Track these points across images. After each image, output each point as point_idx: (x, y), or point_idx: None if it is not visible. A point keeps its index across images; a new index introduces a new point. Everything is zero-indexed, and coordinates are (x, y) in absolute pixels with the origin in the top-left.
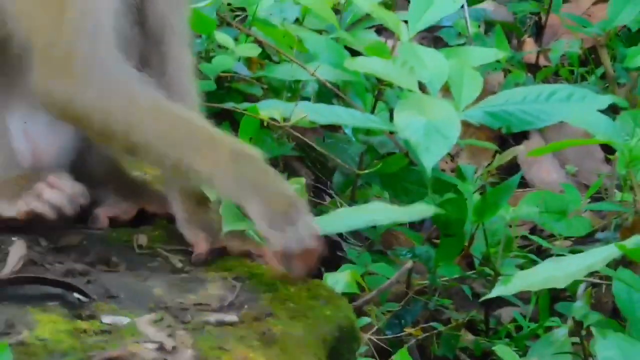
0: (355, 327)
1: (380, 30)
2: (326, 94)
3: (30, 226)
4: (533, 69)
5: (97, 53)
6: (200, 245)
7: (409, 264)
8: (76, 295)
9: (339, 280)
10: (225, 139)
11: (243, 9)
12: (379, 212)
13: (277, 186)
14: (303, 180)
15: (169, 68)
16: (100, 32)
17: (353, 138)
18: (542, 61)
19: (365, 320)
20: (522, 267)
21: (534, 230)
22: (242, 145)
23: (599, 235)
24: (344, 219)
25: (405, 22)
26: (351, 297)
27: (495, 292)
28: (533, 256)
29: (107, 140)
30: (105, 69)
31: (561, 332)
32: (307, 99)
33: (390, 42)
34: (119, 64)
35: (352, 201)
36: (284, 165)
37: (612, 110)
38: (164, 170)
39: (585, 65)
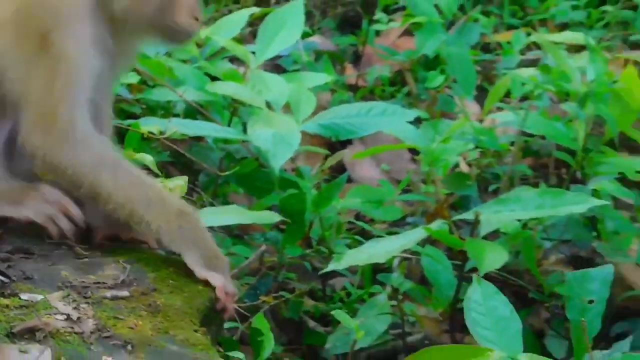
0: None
1: (233, 60)
2: (192, 112)
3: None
4: (354, 89)
5: (76, 119)
6: (99, 233)
7: (263, 246)
8: None
9: None
10: (172, 199)
11: None
12: (239, 214)
13: (208, 242)
14: (186, 178)
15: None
16: (80, 101)
17: (214, 146)
18: (360, 83)
19: None
20: (349, 246)
21: (358, 216)
22: (185, 205)
23: (409, 219)
24: (213, 217)
25: (253, 53)
26: None
27: (330, 267)
28: (358, 237)
29: (76, 189)
30: (80, 132)
31: (382, 297)
32: (178, 115)
33: (242, 70)
34: (90, 129)
35: (215, 196)
36: (161, 169)
37: (417, 121)
38: (119, 216)
39: (394, 86)
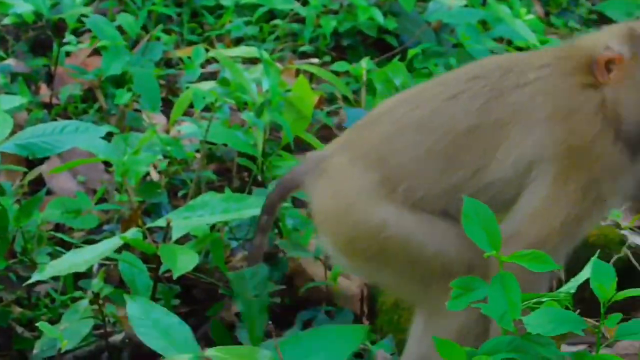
0: None
1: None
2: None
3: None
4: (48, 107)
5: None
6: None
7: None
8: None
9: None
10: None
11: None
12: None
13: None
14: None
15: None
16: None
17: None
18: (54, 101)
19: None
20: (51, 255)
21: (58, 226)
22: None
23: (105, 227)
24: None
25: None
26: None
27: (34, 278)
28: (59, 248)
29: None
30: None
31: (84, 302)
32: None
33: None
34: None
35: None
36: None
37: (109, 135)
38: None
39: (86, 102)
